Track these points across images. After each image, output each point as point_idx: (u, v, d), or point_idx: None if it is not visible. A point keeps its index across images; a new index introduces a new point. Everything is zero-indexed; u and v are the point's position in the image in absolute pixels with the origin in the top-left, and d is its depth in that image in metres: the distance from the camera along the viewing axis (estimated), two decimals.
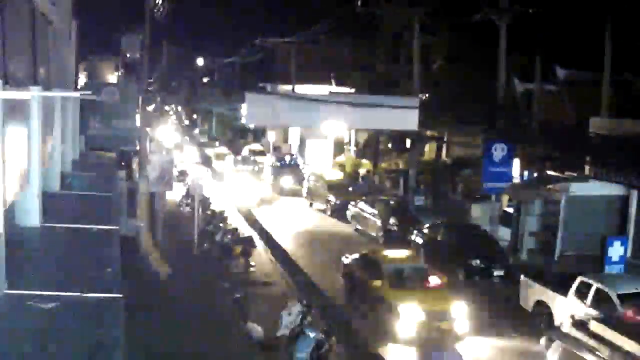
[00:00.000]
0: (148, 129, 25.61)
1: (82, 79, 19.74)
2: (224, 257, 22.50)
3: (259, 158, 48.29)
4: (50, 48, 9.91)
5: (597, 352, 11.87)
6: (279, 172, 38.68)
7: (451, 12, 29.46)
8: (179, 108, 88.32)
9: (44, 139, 7.80)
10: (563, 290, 16.66)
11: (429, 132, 33.98)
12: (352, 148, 45.07)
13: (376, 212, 27.24)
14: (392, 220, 26.44)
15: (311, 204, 34.41)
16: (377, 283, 17.62)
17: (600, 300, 15.44)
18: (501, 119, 25.94)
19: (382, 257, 19.32)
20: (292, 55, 46.57)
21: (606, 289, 15.48)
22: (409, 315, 16.31)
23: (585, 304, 15.77)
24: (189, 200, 28.10)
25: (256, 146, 51.35)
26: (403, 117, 25.95)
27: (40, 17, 8.78)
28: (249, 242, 22.74)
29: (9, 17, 6.70)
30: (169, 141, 47.11)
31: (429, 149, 38.57)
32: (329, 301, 18.42)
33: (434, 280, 18.06)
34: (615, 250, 18.83)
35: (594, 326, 12.55)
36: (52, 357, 4.10)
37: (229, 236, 23.85)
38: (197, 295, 18.10)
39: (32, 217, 6.91)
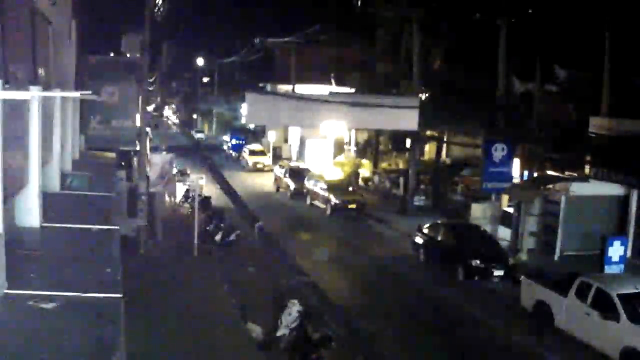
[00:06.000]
0: (148, 129, 25.58)
1: (82, 79, 19.72)
2: (223, 257, 22.49)
3: (259, 158, 48.34)
4: (50, 48, 9.91)
5: None
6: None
7: (451, 12, 29.45)
8: (179, 108, 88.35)
9: (44, 139, 7.79)
10: (563, 290, 16.65)
11: (429, 132, 33.98)
12: (352, 148, 45.07)
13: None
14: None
15: (311, 204, 34.50)
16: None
17: (600, 300, 15.42)
18: (501, 119, 25.94)
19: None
20: (292, 55, 46.56)
21: (606, 289, 15.47)
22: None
23: (585, 303, 15.77)
24: (189, 200, 28.08)
25: (256, 146, 51.34)
26: (403, 117, 25.91)
27: (40, 17, 8.78)
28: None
29: (9, 17, 6.70)
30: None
31: (429, 149, 38.56)
32: None
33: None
34: (615, 250, 18.81)
35: None
36: (53, 357, 4.10)
37: (230, 236, 23.86)
38: (197, 295, 18.09)
39: (32, 217, 6.91)
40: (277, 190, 38.93)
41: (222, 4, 66.76)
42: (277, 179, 39.58)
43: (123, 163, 22.94)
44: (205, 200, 28.25)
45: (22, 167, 6.69)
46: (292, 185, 36.82)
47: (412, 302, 19.82)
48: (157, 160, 23.38)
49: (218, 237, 24.24)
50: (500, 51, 25.67)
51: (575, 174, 23.97)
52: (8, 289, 4.93)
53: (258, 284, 20.00)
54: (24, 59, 7.67)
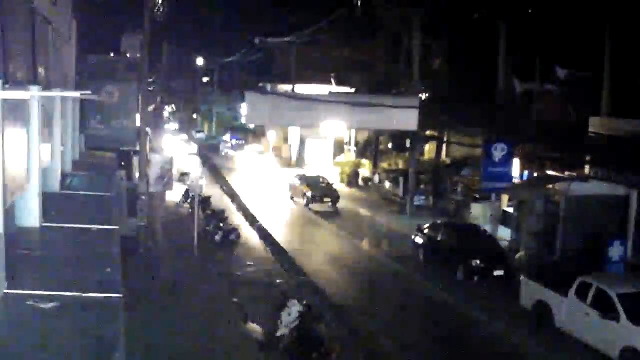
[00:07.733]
0: (148, 129, 25.54)
1: (82, 79, 19.75)
2: (223, 258, 22.49)
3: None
4: (50, 48, 9.91)
5: None
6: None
7: (451, 12, 29.46)
8: (179, 108, 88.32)
9: (44, 139, 7.80)
10: (563, 290, 16.65)
11: (429, 132, 33.98)
12: (352, 148, 45.07)
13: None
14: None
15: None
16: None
17: (600, 300, 15.42)
18: (501, 119, 25.94)
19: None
20: (292, 55, 46.58)
21: (606, 289, 15.47)
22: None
23: (585, 303, 15.76)
24: (189, 200, 28.06)
25: (256, 146, 51.34)
26: (403, 117, 25.92)
27: (40, 17, 8.78)
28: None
29: (9, 18, 6.70)
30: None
31: (429, 149, 38.55)
32: None
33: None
34: (615, 250, 18.79)
35: None
36: (53, 357, 4.10)
37: (230, 236, 23.86)
38: (197, 295, 18.09)
39: (32, 217, 6.91)
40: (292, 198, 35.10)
41: (223, 4, 66.74)
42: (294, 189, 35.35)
43: (123, 163, 22.95)
44: (205, 201, 28.26)
45: (22, 167, 6.69)
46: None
47: (411, 302, 19.82)
48: (157, 161, 23.34)
49: (218, 237, 24.24)
50: (501, 51, 25.68)
51: (575, 174, 23.96)
52: (8, 289, 4.93)
53: (258, 284, 20.00)
54: (24, 59, 7.67)
